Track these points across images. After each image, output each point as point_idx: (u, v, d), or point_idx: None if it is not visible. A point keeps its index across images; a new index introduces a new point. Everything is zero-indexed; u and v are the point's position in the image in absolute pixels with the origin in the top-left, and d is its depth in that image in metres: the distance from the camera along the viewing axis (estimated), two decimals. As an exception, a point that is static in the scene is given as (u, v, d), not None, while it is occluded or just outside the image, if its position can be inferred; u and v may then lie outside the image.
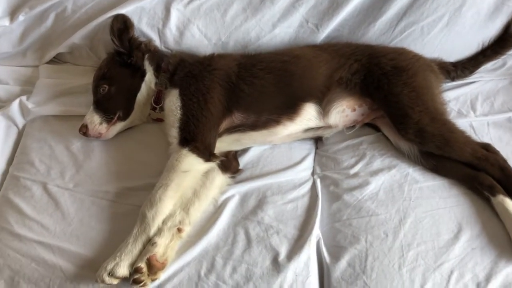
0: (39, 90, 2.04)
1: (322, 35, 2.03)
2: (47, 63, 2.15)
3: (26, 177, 1.81)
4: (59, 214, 1.72)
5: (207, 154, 1.72)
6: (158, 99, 1.89)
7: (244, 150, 1.90)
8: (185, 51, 2.02)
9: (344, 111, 1.86)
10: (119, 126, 1.87)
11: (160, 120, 1.92)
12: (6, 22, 2.05)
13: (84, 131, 1.81)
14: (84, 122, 1.82)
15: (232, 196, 1.74)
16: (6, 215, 1.73)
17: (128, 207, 1.71)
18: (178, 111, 1.76)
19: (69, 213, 1.72)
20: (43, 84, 2.05)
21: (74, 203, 1.74)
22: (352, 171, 1.80)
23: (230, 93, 1.81)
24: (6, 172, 1.87)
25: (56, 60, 2.17)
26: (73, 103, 1.99)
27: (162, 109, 1.88)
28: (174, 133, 1.75)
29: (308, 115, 1.83)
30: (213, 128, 1.77)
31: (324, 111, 1.84)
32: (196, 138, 1.72)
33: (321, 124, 1.87)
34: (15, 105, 1.97)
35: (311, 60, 1.87)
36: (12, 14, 2.06)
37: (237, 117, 1.81)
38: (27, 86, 2.08)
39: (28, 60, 2.14)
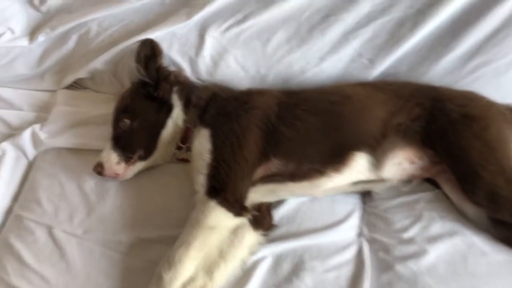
0: (54, 118, 1.86)
1: (375, 72, 1.80)
2: (66, 88, 1.98)
3: (30, 218, 1.63)
4: (64, 265, 1.54)
5: (237, 207, 1.51)
6: (185, 138, 1.68)
7: (279, 202, 1.67)
8: (218, 84, 1.82)
9: (401, 163, 1.61)
10: (139, 166, 1.67)
11: (185, 161, 1.73)
12: (24, 42, 1.91)
13: (99, 170, 1.62)
14: (99, 160, 1.63)
15: (264, 258, 1.52)
16: (4, 261, 1.55)
17: (142, 263, 1.52)
18: (208, 155, 1.55)
19: (75, 264, 1.54)
20: (60, 112, 1.88)
21: (81, 253, 1.56)
22: (406, 235, 1.55)
23: (268, 136, 1.59)
24: (10, 209, 1.71)
25: (76, 85, 2.01)
26: (90, 135, 1.80)
27: (189, 149, 1.69)
28: (201, 180, 1.54)
29: (358, 167, 1.59)
30: (247, 176, 1.55)
31: (377, 162, 1.59)
32: (226, 188, 1.51)
33: (372, 177, 1.62)
34: (26, 134, 1.80)
35: (364, 101, 1.64)
36: (32, 34, 1.92)
37: (274, 165, 1.59)
38: (42, 113, 1.91)
39: (45, 84, 1.97)
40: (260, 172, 1.59)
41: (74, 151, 1.78)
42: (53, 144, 1.78)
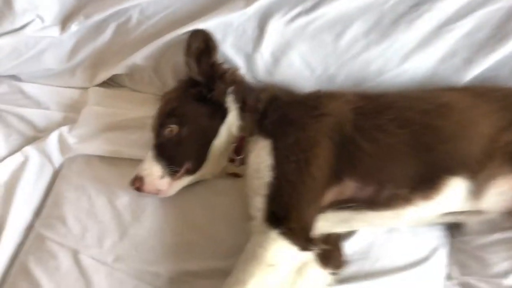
0: (85, 120, 1.65)
1: (469, 75, 1.49)
2: (99, 85, 1.77)
3: (54, 239, 1.41)
4: None
5: (304, 239, 1.23)
6: (240, 148, 1.43)
7: (350, 233, 1.40)
8: (278, 85, 1.56)
9: (505, 193, 1.29)
10: (185, 181, 1.43)
11: (237, 176, 1.47)
12: (55, 32, 1.68)
13: (137, 185, 1.38)
14: (138, 173, 1.39)
15: (333, 303, 1.25)
16: None
17: None
18: (268, 172, 1.28)
19: None
20: (91, 113, 1.67)
21: (111, 286, 1.32)
22: (507, 282, 1.29)
23: (342, 151, 1.30)
24: (31, 226, 1.49)
25: (111, 82, 1.79)
26: (126, 141, 1.58)
27: (242, 161, 1.43)
28: (259, 203, 1.27)
29: (454, 195, 1.28)
30: (315, 200, 1.27)
31: (477, 190, 1.27)
32: (290, 215, 1.23)
33: (468, 208, 1.31)
34: (53, 138, 1.60)
35: (466, 112, 1.32)
36: (64, 23, 1.69)
37: (349, 187, 1.29)
38: (72, 113, 1.71)
39: (76, 80, 1.77)
40: (330, 196, 1.29)
41: (107, 159, 1.56)
42: (83, 151, 1.58)
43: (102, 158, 1.55)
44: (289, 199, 1.24)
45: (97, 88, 1.76)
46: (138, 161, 1.44)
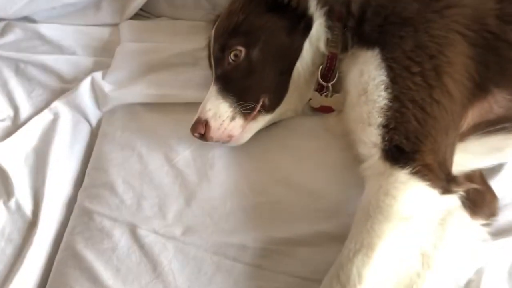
0: (121, 61, 1.38)
1: None
2: (132, 18, 1.51)
3: (103, 213, 1.12)
4: (160, 285, 1.01)
5: (443, 178, 0.91)
6: (330, 71, 1.08)
7: (495, 168, 1.06)
8: None
9: None
10: (261, 122, 1.13)
11: (327, 110, 1.13)
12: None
13: (201, 131, 1.09)
14: (201, 115, 1.10)
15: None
16: (71, 281, 1.04)
17: (283, 281, 1.00)
18: (382, 93, 0.94)
19: (176, 284, 1.01)
20: (127, 52, 1.39)
21: (184, 267, 1.04)
22: None
23: (486, 54, 0.96)
24: (73, 199, 1.20)
25: (146, 14, 1.54)
26: (176, 82, 1.30)
27: (335, 88, 1.09)
28: (373, 136, 0.94)
29: None
30: (453, 124, 0.94)
31: None
32: (422, 147, 0.91)
33: None
34: (84, 87, 1.32)
35: None
36: None
37: (499, 102, 0.96)
38: (103, 56, 1.45)
39: (103, 15, 1.51)
40: (473, 116, 0.97)
41: (156, 107, 1.27)
42: (124, 99, 1.30)
43: (149, 106, 1.27)
44: (418, 125, 0.92)
45: (130, 21, 1.50)
46: (195, 105, 1.15)
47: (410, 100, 0.93)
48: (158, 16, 1.53)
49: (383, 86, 0.95)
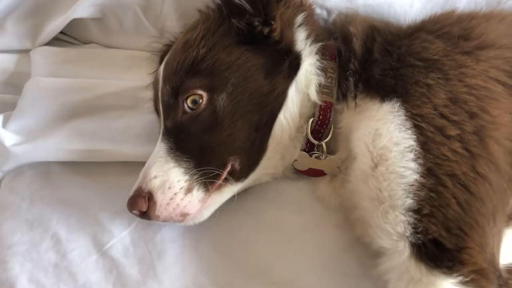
0: (30, 103, 1.08)
1: None
2: (49, 44, 1.23)
3: None
4: None
5: (496, 282, 0.70)
6: (323, 125, 0.84)
7: None
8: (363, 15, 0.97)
9: None
10: (228, 193, 0.87)
11: (316, 173, 0.90)
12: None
13: (142, 208, 0.82)
14: (143, 185, 0.84)
15: None
16: None
17: None
18: (410, 164, 0.71)
19: None
20: (39, 90, 1.10)
21: None
22: None
23: None
24: None
25: (68, 38, 1.25)
26: (107, 132, 1.02)
27: (328, 149, 0.86)
28: (398, 224, 0.70)
29: None
30: (500, 207, 0.72)
31: None
32: (468, 243, 0.68)
33: None
34: None
35: None
36: None
37: None
38: (5, 94, 1.17)
39: (8, 39, 1.22)
40: None
41: (77, 168, 1.00)
42: (33, 156, 1.01)
43: (69, 166, 1.01)
44: (461, 209, 0.70)
45: (46, 48, 1.21)
46: (135, 166, 0.90)
47: (448, 175, 0.71)
48: (85, 42, 1.27)
49: (411, 155, 0.72)
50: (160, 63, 1.05)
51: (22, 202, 0.96)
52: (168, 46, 1.04)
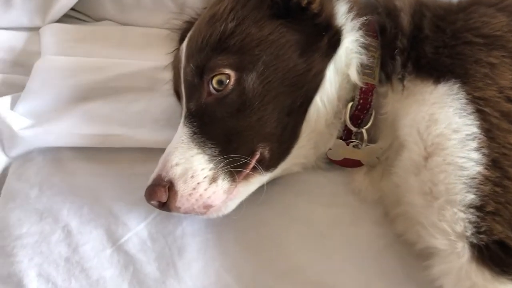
0: (39, 83, 1.01)
1: None
2: (60, 21, 1.17)
3: None
4: None
5: None
6: (363, 110, 0.77)
7: None
8: None
9: None
10: (256, 184, 0.81)
11: (351, 164, 0.83)
12: None
13: (162, 199, 0.76)
14: (163, 173, 0.78)
15: None
16: None
17: None
18: (471, 154, 0.64)
19: None
20: (50, 69, 1.03)
21: None
22: None
23: None
24: None
25: (81, 15, 1.19)
26: (122, 116, 0.96)
27: (368, 137, 0.78)
28: (456, 222, 0.63)
29: None
30: None
31: None
32: None
33: None
34: None
35: None
36: None
37: None
38: (13, 74, 1.10)
39: (16, 15, 1.14)
40: None
41: (90, 154, 0.93)
42: (44, 141, 0.94)
43: (82, 152, 0.94)
44: None
45: (57, 25, 1.15)
46: (153, 153, 0.86)
47: None
48: (98, 19, 1.20)
49: (473, 144, 0.64)
50: (180, 41, 0.98)
51: (31, 191, 0.89)
52: (189, 23, 0.97)
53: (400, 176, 0.72)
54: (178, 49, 0.98)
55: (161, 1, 1.08)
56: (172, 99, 0.95)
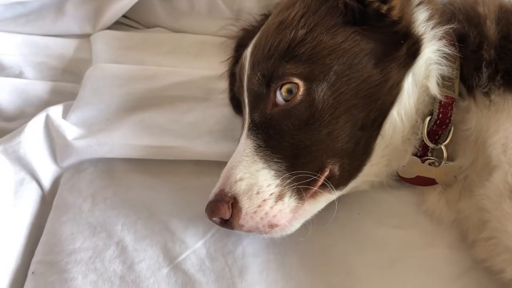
0: (92, 92, 1.00)
1: None
2: (111, 28, 1.17)
3: None
4: None
5: None
6: (442, 125, 0.72)
7: None
8: None
9: None
10: (323, 202, 0.76)
11: (423, 182, 0.79)
12: None
13: (225, 215, 0.72)
14: (226, 188, 0.74)
15: None
16: None
17: None
18: None
19: None
20: (102, 78, 1.02)
21: None
22: None
23: None
24: None
25: (132, 23, 1.18)
26: (177, 126, 0.93)
27: (446, 154, 0.73)
28: None
29: None
30: None
31: None
32: None
33: None
34: (34, 129, 0.93)
35: None
36: None
37: None
38: (65, 82, 1.09)
39: (67, 22, 1.14)
40: None
41: (145, 166, 0.90)
42: (96, 152, 0.92)
43: (136, 163, 0.92)
44: None
45: (108, 32, 1.15)
46: (212, 166, 0.84)
47: None
48: (149, 26, 1.18)
49: None
50: (236, 49, 0.95)
51: (84, 203, 0.87)
52: (246, 31, 0.94)
53: (490, 199, 0.66)
54: (233, 57, 0.95)
55: (216, 7, 1.06)
56: (227, 109, 0.93)
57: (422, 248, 0.77)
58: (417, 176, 0.79)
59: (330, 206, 0.78)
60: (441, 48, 0.72)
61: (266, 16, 0.94)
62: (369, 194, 0.83)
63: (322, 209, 0.78)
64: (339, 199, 0.81)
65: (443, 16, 0.77)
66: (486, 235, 0.69)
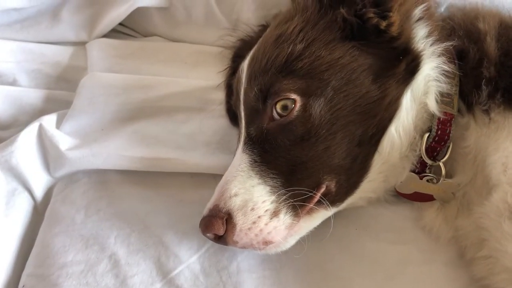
0: (86, 101, 0.99)
1: None
2: (107, 36, 1.17)
3: None
4: None
5: None
6: (441, 142, 0.72)
7: None
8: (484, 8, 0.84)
9: None
10: (318, 219, 0.76)
11: (421, 198, 0.78)
12: None
13: (219, 231, 0.72)
14: (220, 204, 0.73)
15: None
16: None
17: None
18: None
19: None
20: (97, 87, 1.01)
21: None
22: None
23: None
24: None
25: (129, 31, 1.18)
26: (172, 137, 0.93)
27: (444, 171, 0.73)
28: None
29: None
30: None
31: None
32: None
33: None
34: (27, 138, 0.92)
35: None
36: None
37: None
38: (60, 90, 1.09)
39: (63, 30, 1.15)
40: None
41: (139, 177, 0.90)
42: (90, 163, 0.91)
43: (130, 175, 0.91)
44: None
45: (104, 40, 1.15)
46: (207, 179, 0.84)
47: None
48: (146, 35, 1.19)
49: None
50: (234, 60, 0.95)
51: (77, 215, 0.86)
52: (244, 41, 0.94)
53: (490, 219, 0.66)
54: (230, 68, 0.94)
55: (214, 17, 1.06)
56: (223, 120, 0.92)
57: (419, 264, 0.76)
58: (415, 192, 0.79)
59: (326, 221, 0.76)
60: (440, 65, 0.72)
61: (264, 27, 0.93)
62: (366, 209, 0.83)
63: (318, 224, 0.76)
64: (336, 213, 0.81)
65: (443, 32, 0.76)
66: (485, 254, 0.68)
